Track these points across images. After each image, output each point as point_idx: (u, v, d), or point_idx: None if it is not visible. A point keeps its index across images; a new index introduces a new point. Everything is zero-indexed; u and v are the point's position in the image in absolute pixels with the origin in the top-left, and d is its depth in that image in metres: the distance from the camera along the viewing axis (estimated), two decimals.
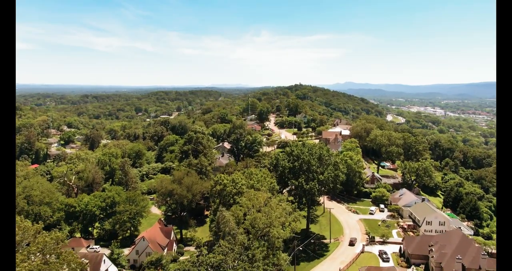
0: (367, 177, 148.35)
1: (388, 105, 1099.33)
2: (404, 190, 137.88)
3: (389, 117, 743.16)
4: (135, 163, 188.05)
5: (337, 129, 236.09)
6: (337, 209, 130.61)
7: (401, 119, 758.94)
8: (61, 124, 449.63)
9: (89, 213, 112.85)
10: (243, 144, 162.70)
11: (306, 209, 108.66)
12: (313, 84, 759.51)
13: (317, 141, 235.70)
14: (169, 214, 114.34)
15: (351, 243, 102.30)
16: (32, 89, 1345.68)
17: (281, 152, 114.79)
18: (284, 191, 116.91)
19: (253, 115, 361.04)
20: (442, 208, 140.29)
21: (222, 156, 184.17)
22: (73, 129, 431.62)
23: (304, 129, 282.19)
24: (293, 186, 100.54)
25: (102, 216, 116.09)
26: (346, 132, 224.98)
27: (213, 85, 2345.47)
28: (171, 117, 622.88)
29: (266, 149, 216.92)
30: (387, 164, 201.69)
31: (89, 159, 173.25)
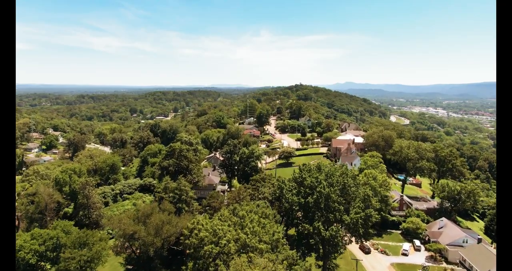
0: (394, 202, 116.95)
1: (389, 106, 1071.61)
2: (445, 220, 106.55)
3: (393, 119, 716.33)
4: (109, 179, 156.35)
5: (348, 136, 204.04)
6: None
7: (405, 121, 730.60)
8: (46, 127, 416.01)
9: (21, 261, 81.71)
10: (238, 158, 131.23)
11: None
12: (314, 84, 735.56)
13: (325, 149, 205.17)
14: (129, 267, 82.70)
15: None
16: (31, 89, 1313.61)
17: (287, 180, 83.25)
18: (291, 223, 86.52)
19: (252, 118, 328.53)
20: (492, 244, 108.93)
21: (213, 170, 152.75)
22: (57, 133, 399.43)
23: (308, 135, 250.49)
24: (305, 231, 68.98)
25: (42, 263, 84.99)
26: (359, 139, 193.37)
27: (213, 85, 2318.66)
28: (166, 118, 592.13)
29: (266, 160, 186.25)
30: (409, 178, 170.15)
31: (51, 175, 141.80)
